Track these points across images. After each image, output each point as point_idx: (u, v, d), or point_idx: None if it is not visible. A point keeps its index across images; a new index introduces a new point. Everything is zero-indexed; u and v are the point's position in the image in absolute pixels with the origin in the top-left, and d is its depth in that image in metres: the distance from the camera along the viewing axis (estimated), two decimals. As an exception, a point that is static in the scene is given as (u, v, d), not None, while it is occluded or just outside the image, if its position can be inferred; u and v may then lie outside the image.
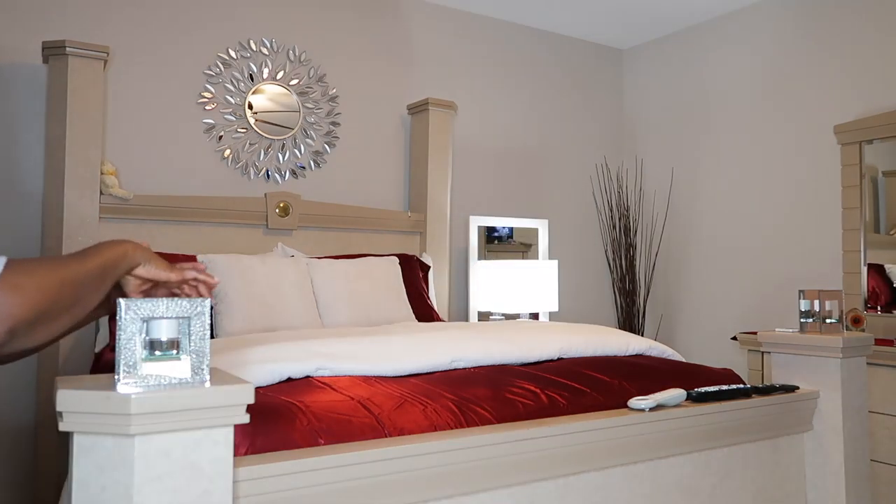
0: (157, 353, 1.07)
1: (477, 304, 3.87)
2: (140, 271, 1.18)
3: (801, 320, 2.06)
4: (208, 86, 3.32)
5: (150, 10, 3.21)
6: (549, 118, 4.45)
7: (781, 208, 3.81)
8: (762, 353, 3.17)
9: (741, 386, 1.90)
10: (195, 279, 1.24)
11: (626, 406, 1.69)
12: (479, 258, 3.97)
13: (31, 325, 0.96)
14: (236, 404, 1.08)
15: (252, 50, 3.44)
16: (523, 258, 4.19)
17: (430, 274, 3.54)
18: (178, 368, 1.07)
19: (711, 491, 1.79)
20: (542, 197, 4.39)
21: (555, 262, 3.77)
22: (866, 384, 2.06)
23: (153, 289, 1.22)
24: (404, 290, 3.21)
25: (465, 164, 4.05)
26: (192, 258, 2.83)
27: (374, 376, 1.79)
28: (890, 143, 3.33)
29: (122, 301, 1.05)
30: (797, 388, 2.00)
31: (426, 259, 3.57)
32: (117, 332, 1.04)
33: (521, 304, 3.61)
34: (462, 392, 1.66)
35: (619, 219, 4.39)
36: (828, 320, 2.03)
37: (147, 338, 1.06)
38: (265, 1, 3.51)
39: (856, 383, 2.00)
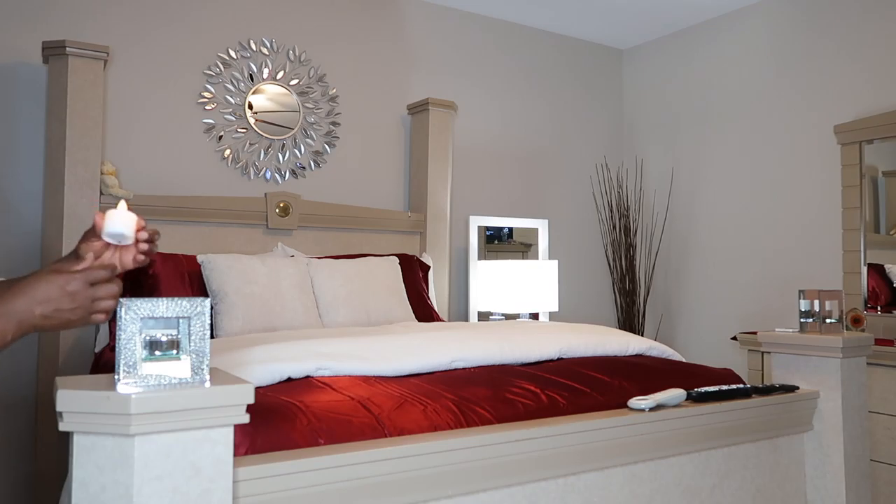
0: (157, 353, 1.07)
1: (477, 304, 3.87)
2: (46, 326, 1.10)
3: (801, 320, 2.06)
4: (208, 86, 3.32)
5: (150, 10, 3.21)
6: (549, 118, 4.45)
7: (781, 208, 3.81)
8: (762, 353, 3.17)
9: (741, 386, 1.90)
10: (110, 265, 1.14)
11: (626, 406, 1.70)
12: (479, 258, 3.97)
13: None
14: (236, 404, 1.08)
15: (252, 50, 3.44)
16: (523, 258, 4.19)
17: (430, 274, 3.53)
18: (178, 368, 1.07)
19: (711, 491, 1.79)
20: (542, 197, 4.39)
21: (555, 262, 3.77)
22: (866, 384, 2.06)
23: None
24: (404, 290, 3.21)
25: (465, 164, 4.05)
26: (192, 258, 2.83)
27: (374, 376, 1.79)
28: (890, 143, 3.33)
29: (122, 301, 1.05)
30: (797, 388, 2.00)
31: (426, 259, 3.57)
32: (117, 332, 1.05)
33: (521, 304, 3.61)
34: (462, 392, 1.66)
35: (619, 219, 4.38)
36: (828, 320, 2.04)
37: (147, 338, 1.06)
38: (265, 1, 3.51)
39: (856, 383, 2.01)
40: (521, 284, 3.61)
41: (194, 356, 1.08)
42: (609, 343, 2.22)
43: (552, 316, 3.99)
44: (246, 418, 1.10)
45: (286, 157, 3.50)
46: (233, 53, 3.39)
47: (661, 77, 4.54)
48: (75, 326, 1.12)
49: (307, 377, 1.74)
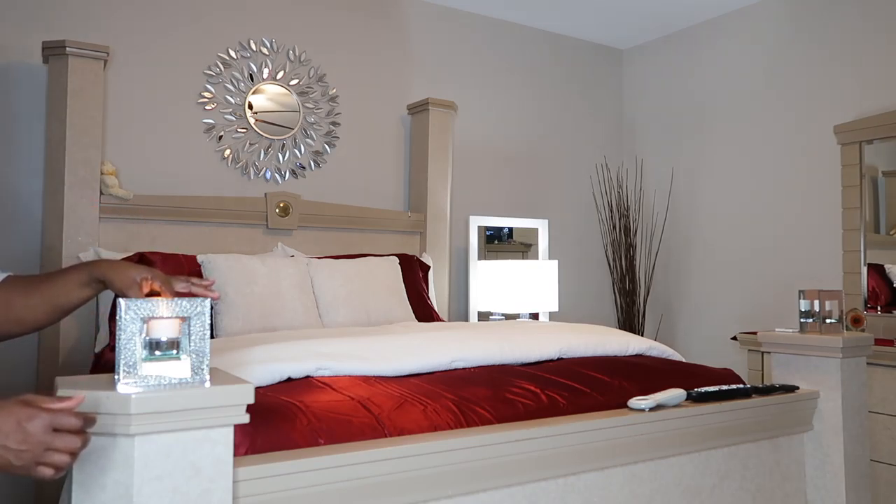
0: (157, 353, 1.07)
1: (477, 304, 3.87)
2: None
3: (801, 320, 2.06)
4: (208, 86, 3.32)
5: (150, 10, 3.21)
6: (549, 118, 4.45)
7: (781, 208, 3.81)
8: (762, 353, 3.17)
9: (741, 386, 1.90)
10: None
11: (626, 406, 1.69)
12: (479, 258, 3.97)
13: None
14: (236, 404, 1.08)
15: (252, 50, 3.44)
16: (523, 258, 4.19)
17: (430, 274, 3.53)
18: (178, 368, 1.07)
19: (711, 491, 1.79)
20: (542, 197, 4.39)
21: (555, 262, 3.77)
22: (866, 384, 2.06)
23: None
24: (404, 290, 3.21)
25: (465, 164, 4.04)
26: (192, 258, 2.83)
27: (375, 376, 1.78)
28: (890, 143, 3.33)
29: (121, 301, 1.05)
30: (797, 388, 2.00)
31: (426, 259, 3.57)
32: (117, 332, 1.04)
33: (521, 304, 3.61)
34: (462, 392, 1.66)
35: (619, 219, 4.38)
36: (828, 320, 2.03)
37: (147, 338, 1.06)
38: (265, 1, 3.51)
39: (856, 383, 2.01)
40: (521, 284, 3.61)
41: (194, 356, 1.08)
42: (609, 343, 2.22)
43: (552, 316, 3.99)
44: (246, 418, 1.10)
45: (286, 157, 3.50)
46: (233, 53, 3.39)
47: (661, 77, 4.54)
48: (13, 473, 0.97)
49: (307, 377, 1.74)
